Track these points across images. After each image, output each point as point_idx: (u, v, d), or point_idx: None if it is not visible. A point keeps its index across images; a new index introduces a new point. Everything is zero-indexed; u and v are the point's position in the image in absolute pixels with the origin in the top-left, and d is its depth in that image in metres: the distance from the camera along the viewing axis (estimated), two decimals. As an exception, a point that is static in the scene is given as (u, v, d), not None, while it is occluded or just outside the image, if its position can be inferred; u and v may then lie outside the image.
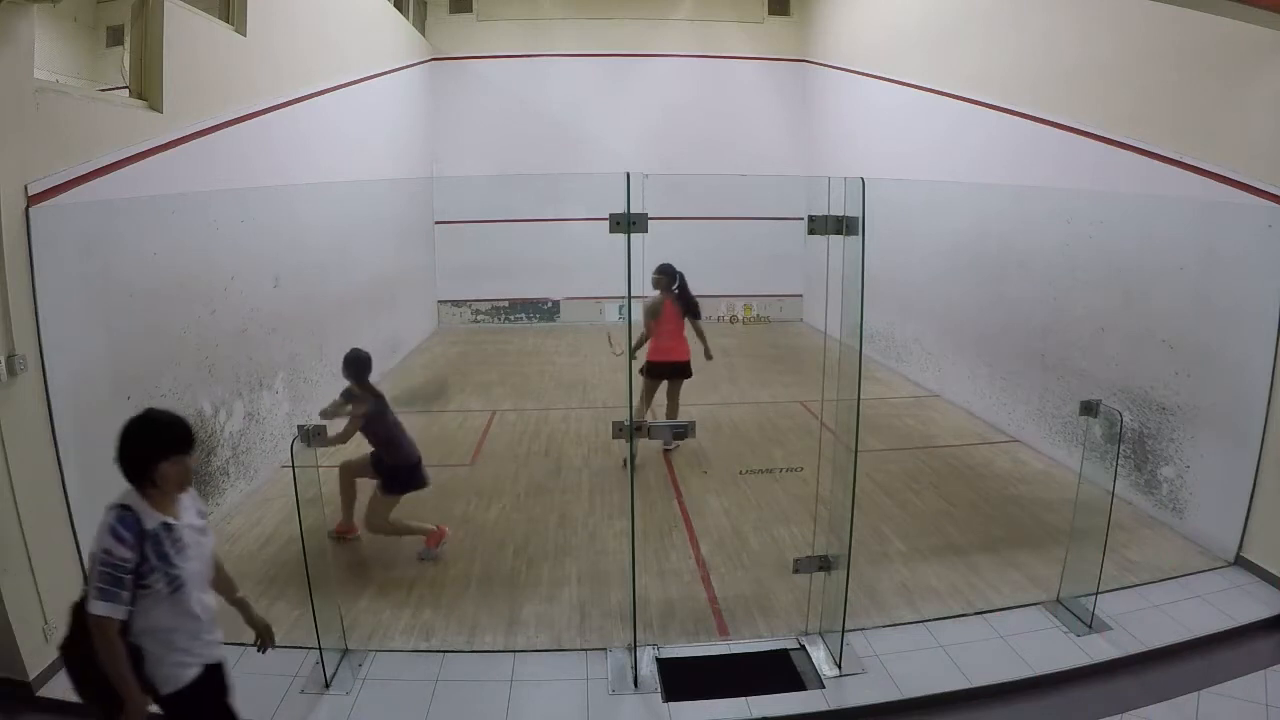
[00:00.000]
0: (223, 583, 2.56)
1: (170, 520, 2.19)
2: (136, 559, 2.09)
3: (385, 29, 9.55)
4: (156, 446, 2.15)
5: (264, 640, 2.62)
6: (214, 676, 2.34)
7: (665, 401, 6.23)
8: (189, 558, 2.21)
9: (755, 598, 4.06)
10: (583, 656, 3.52)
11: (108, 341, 3.85)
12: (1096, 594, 3.74)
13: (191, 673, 2.25)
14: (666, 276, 6.03)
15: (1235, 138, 4.38)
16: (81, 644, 2.16)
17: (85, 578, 2.18)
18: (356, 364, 4.34)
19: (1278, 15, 3.70)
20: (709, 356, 6.28)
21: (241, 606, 2.60)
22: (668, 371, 6.14)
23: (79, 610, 2.19)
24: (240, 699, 3.20)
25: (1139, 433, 5.00)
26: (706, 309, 6.58)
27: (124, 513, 2.11)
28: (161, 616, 2.16)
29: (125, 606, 2.09)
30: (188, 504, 2.29)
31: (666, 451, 6.09)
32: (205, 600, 2.28)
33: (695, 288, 6.17)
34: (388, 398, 4.46)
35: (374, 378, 4.46)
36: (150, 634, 2.17)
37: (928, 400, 7.90)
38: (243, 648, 3.52)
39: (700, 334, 6.24)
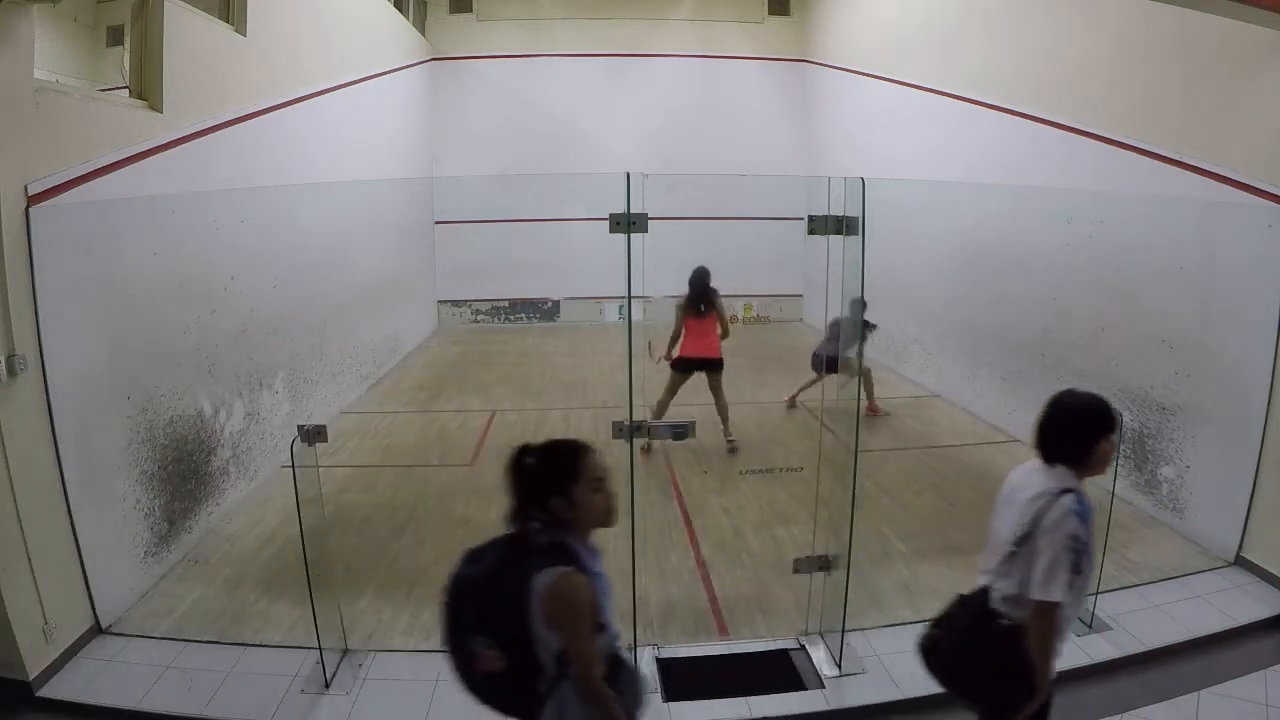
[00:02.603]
0: None
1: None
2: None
3: (385, 29, 9.55)
4: (1102, 425, 2.07)
5: None
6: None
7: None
8: None
9: (755, 598, 4.06)
10: (583, 656, 3.52)
11: (108, 341, 3.85)
12: (1096, 594, 3.73)
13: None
14: None
15: (1236, 138, 4.37)
16: (980, 637, 2.19)
17: (1045, 566, 2.04)
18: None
19: (1278, 15, 3.70)
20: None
21: None
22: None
23: (972, 603, 2.27)
24: (240, 699, 3.23)
25: (1139, 433, 4.99)
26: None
27: (1081, 495, 2.01)
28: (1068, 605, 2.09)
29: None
30: None
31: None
32: None
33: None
34: None
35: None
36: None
37: (928, 400, 7.89)
38: (242, 648, 3.59)
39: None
